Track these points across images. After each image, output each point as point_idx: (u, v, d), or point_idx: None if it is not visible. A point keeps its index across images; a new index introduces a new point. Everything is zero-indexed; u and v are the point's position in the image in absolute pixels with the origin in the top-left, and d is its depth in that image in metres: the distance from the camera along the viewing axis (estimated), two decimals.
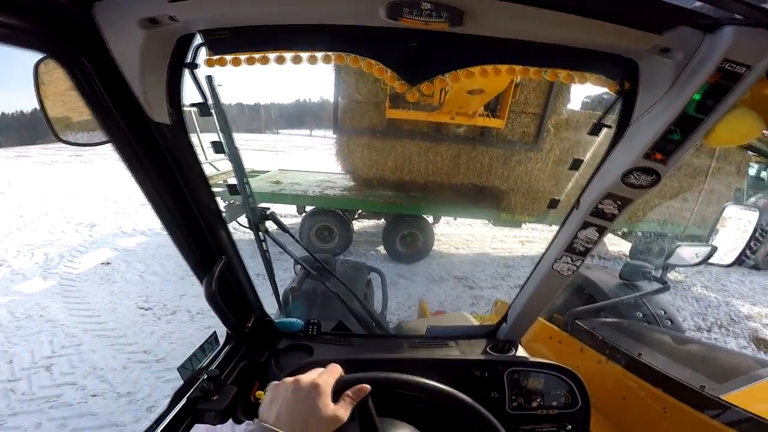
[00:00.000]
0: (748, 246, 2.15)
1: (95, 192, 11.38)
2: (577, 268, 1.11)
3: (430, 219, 6.91)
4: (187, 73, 0.76)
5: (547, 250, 1.17)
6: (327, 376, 0.73)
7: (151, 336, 4.26)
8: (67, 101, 0.73)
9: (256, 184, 5.80)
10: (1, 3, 0.52)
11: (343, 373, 0.77)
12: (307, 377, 0.71)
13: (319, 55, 0.74)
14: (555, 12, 0.60)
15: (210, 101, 0.87)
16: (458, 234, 8.51)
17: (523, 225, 6.66)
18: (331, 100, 5.37)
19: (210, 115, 0.90)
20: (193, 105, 0.85)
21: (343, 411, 0.69)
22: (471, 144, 5.23)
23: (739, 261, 2.29)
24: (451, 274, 6.27)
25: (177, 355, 3.93)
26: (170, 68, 0.73)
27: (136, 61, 0.67)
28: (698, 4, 0.58)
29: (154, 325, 4.48)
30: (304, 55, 0.74)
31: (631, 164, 0.81)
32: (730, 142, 0.73)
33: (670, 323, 2.34)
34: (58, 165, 18.76)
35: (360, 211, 6.67)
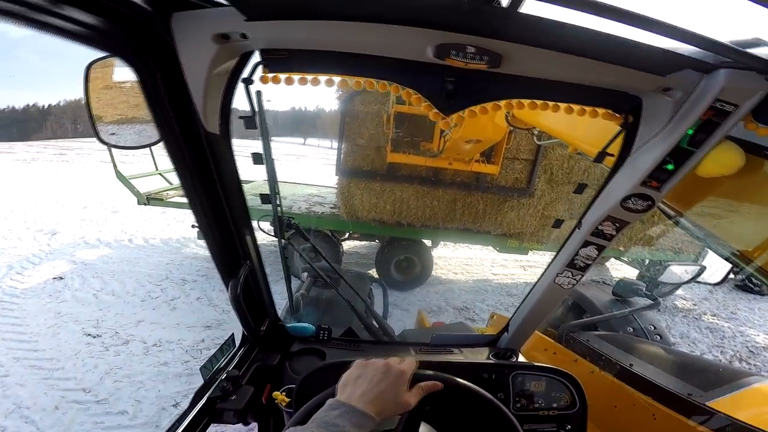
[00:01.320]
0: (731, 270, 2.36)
1: (67, 194, 10.59)
2: (577, 282, 1.21)
3: (429, 243, 6.36)
4: (240, 87, 0.81)
5: (549, 265, 1.26)
6: (408, 366, 0.84)
7: (94, 371, 3.57)
8: (117, 104, 0.79)
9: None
10: (86, 4, 0.56)
11: (417, 368, 0.89)
12: (395, 363, 0.83)
13: (363, 80, 0.79)
14: (577, 57, 0.69)
15: (257, 115, 0.89)
16: (456, 257, 7.92)
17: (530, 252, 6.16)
18: (327, 110, 5.74)
19: (255, 128, 0.91)
20: (241, 117, 0.87)
21: (414, 399, 0.81)
22: (467, 189, 5.29)
23: (726, 280, 2.52)
24: (451, 303, 5.68)
25: (121, 396, 3.29)
26: (229, 82, 0.79)
27: (203, 73, 0.72)
28: (698, 50, 0.66)
29: (99, 357, 3.77)
30: (351, 79, 0.79)
31: (630, 190, 0.89)
32: (717, 172, 0.82)
33: (659, 338, 2.46)
34: (39, 163, 17.94)
35: (350, 232, 6.11)
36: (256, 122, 0.90)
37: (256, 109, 0.88)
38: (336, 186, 5.68)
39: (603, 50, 0.68)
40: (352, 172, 5.30)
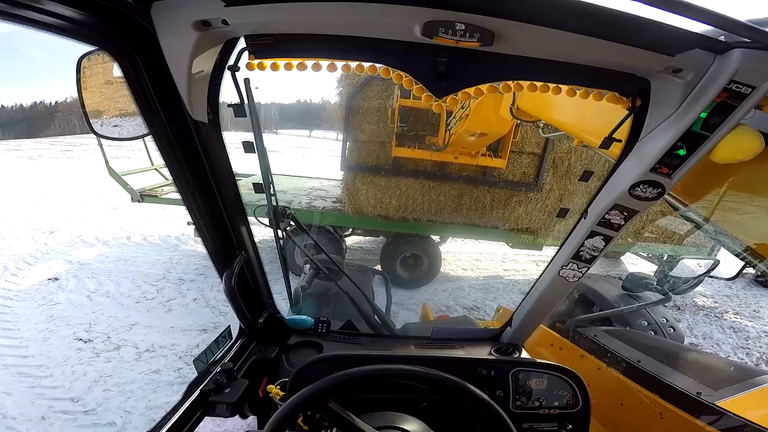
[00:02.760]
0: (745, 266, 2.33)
1: (68, 191, 10.46)
2: (582, 275, 1.18)
3: (436, 238, 6.07)
4: (227, 75, 0.80)
5: (554, 257, 1.22)
6: None
7: (83, 378, 3.40)
8: (108, 96, 0.80)
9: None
10: None
11: None
12: None
13: (353, 64, 0.78)
14: (577, 35, 0.65)
15: (246, 103, 0.88)
16: (465, 252, 7.62)
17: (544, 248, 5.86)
18: (332, 101, 5.55)
19: (244, 116, 0.89)
20: (230, 105, 0.86)
21: None
22: (473, 184, 5.16)
23: (740, 275, 2.49)
24: (460, 302, 5.41)
25: (110, 406, 3.11)
26: (215, 70, 0.78)
27: (185, 61, 0.71)
28: (710, 28, 0.61)
29: (89, 363, 3.60)
30: (339, 63, 0.77)
31: (639, 177, 0.86)
32: (733, 158, 0.78)
33: (672, 330, 2.47)
34: (44, 160, 18.02)
35: (353, 228, 5.86)
36: (246, 110, 0.89)
37: (245, 97, 0.87)
38: (340, 180, 5.58)
39: (606, 27, 0.65)
40: (357, 168, 5.19)
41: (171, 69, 0.72)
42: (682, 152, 0.79)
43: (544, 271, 1.29)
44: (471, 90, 0.78)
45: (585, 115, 1.49)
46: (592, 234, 1.05)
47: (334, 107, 5.33)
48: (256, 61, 0.76)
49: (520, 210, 5.27)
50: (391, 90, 4.73)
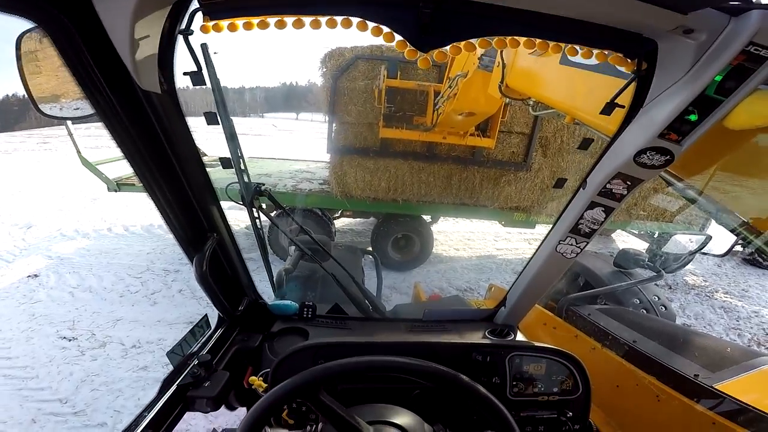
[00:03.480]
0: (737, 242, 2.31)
1: (46, 184, 10.10)
2: (581, 250, 1.13)
3: (428, 218, 5.98)
4: (180, 41, 0.73)
5: (549, 232, 1.17)
6: None
7: (70, 378, 3.30)
8: (51, 74, 0.74)
9: (213, 176, 5.09)
10: None
11: None
12: None
13: (323, 19, 0.69)
14: None
15: (205, 70, 0.83)
16: (457, 231, 7.57)
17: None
18: (319, 84, 5.18)
19: (204, 84, 0.85)
20: (186, 74, 0.81)
21: None
22: (462, 164, 5.12)
23: (730, 253, 2.60)
24: (453, 284, 5.38)
25: (99, 406, 3.04)
26: (163, 35, 0.70)
27: (126, 27, 0.63)
28: None
29: (75, 362, 3.49)
30: (307, 19, 0.70)
31: (645, 144, 0.81)
32: (750, 123, 0.76)
33: (664, 309, 2.41)
34: (20, 153, 17.29)
35: (342, 210, 5.75)
36: (204, 77, 0.83)
37: (203, 64, 0.81)
38: (327, 162, 5.46)
39: None
40: (344, 150, 5.07)
41: (111, 37, 0.63)
42: (693, 117, 0.74)
43: (539, 247, 1.23)
44: (461, 44, 0.73)
45: (577, 91, 1.44)
46: (592, 205, 1.00)
47: (320, 89, 5.19)
48: (211, 23, 0.69)
49: (510, 189, 5.24)
50: (378, 70, 4.62)
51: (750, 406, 1.25)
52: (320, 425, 0.95)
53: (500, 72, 2.15)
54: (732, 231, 1.49)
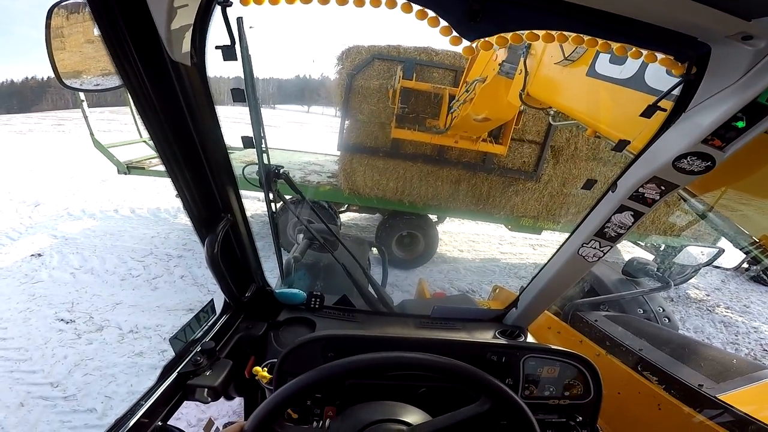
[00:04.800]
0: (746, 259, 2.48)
1: (57, 165, 10.15)
2: (604, 254, 1.10)
3: (434, 218, 5.92)
4: (217, 13, 0.70)
5: (572, 234, 1.14)
6: None
7: (64, 362, 3.27)
8: (75, 50, 0.76)
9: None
10: None
11: (241, 428, 0.73)
12: None
13: None
14: None
15: (238, 45, 0.78)
16: (462, 233, 7.49)
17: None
18: (332, 77, 5.21)
19: (235, 59, 0.80)
20: (218, 47, 0.77)
21: None
22: (472, 170, 5.12)
23: (740, 268, 3.21)
24: (456, 285, 5.33)
25: (90, 391, 3.01)
26: (201, 5, 0.68)
27: None
28: None
29: (70, 345, 3.47)
30: None
31: (686, 148, 0.80)
32: None
33: (667, 321, 2.40)
34: (35, 134, 17.45)
35: (348, 204, 5.71)
36: (237, 53, 0.79)
37: (236, 39, 0.78)
38: (337, 158, 5.48)
39: None
40: (354, 148, 5.09)
41: (148, 1, 0.62)
42: (741, 124, 0.72)
43: (559, 249, 1.21)
44: (509, 35, 0.71)
45: (602, 105, 1.43)
46: (622, 209, 0.97)
47: (334, 84, 5.17)
48: None
49: (517, 200, 5.26)
50: (394, 70, 4.67)
51: (752, 417, 1.24)
52: (327, 421, 0.93)
53: (522, 80, 2.12)
54: (741, 249, 1.48)
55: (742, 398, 1.36)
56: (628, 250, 7.74)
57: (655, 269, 2.53)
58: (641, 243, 6.70)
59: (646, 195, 0.93)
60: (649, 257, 6.80)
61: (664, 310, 2.46)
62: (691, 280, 6.46)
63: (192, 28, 0.70)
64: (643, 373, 1.62)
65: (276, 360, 1.09)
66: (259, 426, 0.73)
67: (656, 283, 2.32)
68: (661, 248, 6.19)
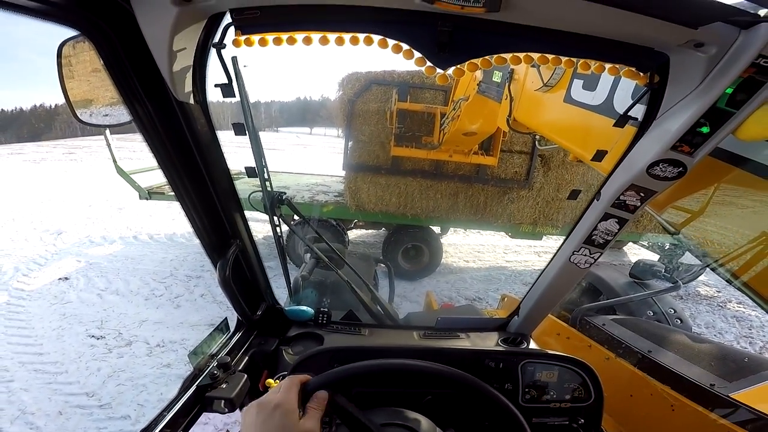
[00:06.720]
0: None
1: (73, 193, 10.60)
2: (595, 261, 1.13)
3: (437, 230, 6.17)
4: (212, 54, 0.76)
5: (563, 243, 1.18)
6: (286, 391, 0.70)
7: (98, 374, 3.49)
8: (90, 82, 0.77)
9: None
10: None
11: (306, 380, 0.76)
12: (268, 398, 0.68)
13: (347, 36, 0.73)
14: (592, 3, 0.60)
15: (234, 82, 0.85)
16: (467, 244, 7.70)
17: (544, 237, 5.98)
18: (332, 98, 5.67)
19: (233, 96, 0.86)
20: (217, 86, 0.83)
21: (312, 423, 0.67)
22: (468, 182, 5.46)
23: None
24: (462, 294, 5.49)
25: (124, 400, 3.21)
26: (199, 48, 0.73)
27: (165, 39, 0.66)
28: (736, 0, 0.62)
29: (103, 359, 3.69)
30: (332, 36, 0.73)
31: (657, 156, 0.82)
32: (761, 135, 0.74)
33: (679, 322, 2.38)
34: (47, 163, 18.11)
35: (356, 220, 5.99)
36: (234, 90, 0.85)
37: (233, 76, 0.83)
38: (342, 177, 5.78)
39: None
40: (358, 167, 5.46)
41: (151, 48, 0.67)
42: (705, 129, 0.75)
43: (553, 257, 1.23)
44: (478, 61, 0.75)
45: (577, 130, 1.49)
46: (606, 216, 1.01)
47: (335, 106, 5.59)
48: (242, 37, 0.72)
49: (513, 207, 5.56)
50: (390, 94, 5.04)
51: (766, 415, 1.23)
52: (334, 427, 0.94)
53: (508, 105, 2.23)
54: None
55: (755, 396, 1.35)
56: (634, 252, 7.88)
57: (663, 270, 2.53)
58: (645, 243, 6.78)
59: (627, 202, 0.95)
60: (656, 257, 6.86)
61: (675, 312, 2.45)
62: (700, 278, 6.46)
63: (192, 69, 0.75)
64: (653, 374, 1.61)
65: (287, 373, 1.14)
66: (324, 385, 0.76)
67: (665, 284, 2.33)
68: (666, 247, 6.29)
